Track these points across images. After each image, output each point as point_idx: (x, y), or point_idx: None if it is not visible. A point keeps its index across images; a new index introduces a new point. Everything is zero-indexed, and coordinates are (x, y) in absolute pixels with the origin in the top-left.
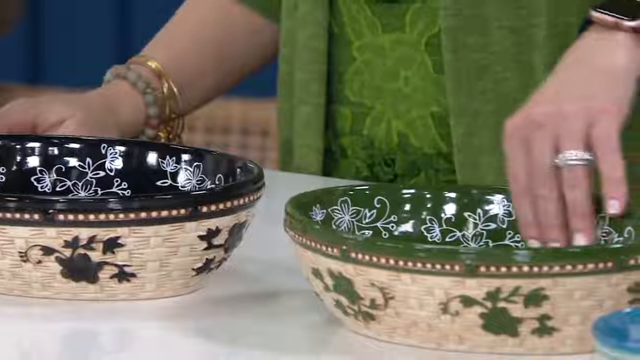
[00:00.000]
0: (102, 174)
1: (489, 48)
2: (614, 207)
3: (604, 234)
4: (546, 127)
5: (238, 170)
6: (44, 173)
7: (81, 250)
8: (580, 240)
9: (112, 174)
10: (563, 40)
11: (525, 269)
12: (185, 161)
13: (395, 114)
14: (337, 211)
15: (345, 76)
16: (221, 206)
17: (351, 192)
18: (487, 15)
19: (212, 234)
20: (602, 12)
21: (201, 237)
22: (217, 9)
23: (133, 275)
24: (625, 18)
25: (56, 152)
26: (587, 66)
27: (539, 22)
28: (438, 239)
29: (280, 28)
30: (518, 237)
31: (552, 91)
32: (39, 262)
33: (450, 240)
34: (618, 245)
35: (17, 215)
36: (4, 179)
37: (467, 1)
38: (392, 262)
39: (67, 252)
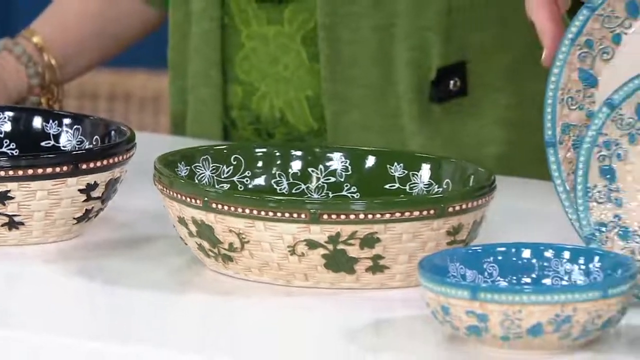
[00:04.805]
0: None
1: (359, 42)
2: None
3: (426, 186)
4: None
5: (113, 132)
6: None
7: None
8: None
9: (1, 136)
10: (419, 40)
11: (361, 216)
12: (66, 124)
13: (276, 93)
14: (199, 167)
15: (236, 60)
16: (98, 164)
17: (211, 151)
18: (358, 14)
19: (90, 187)
20: None
21: (81, 191)
22: None
23: (22, 223)
24: None
25: None
26: None
27: (399, 22)
28: (286, 191)
29: (169, 17)
30: (354, 189)
31: None
32: None
33: (296, 192)
34: (438, 195)
35: None
36: None
37: (340, 2)
38: (247, 211)
39: None
